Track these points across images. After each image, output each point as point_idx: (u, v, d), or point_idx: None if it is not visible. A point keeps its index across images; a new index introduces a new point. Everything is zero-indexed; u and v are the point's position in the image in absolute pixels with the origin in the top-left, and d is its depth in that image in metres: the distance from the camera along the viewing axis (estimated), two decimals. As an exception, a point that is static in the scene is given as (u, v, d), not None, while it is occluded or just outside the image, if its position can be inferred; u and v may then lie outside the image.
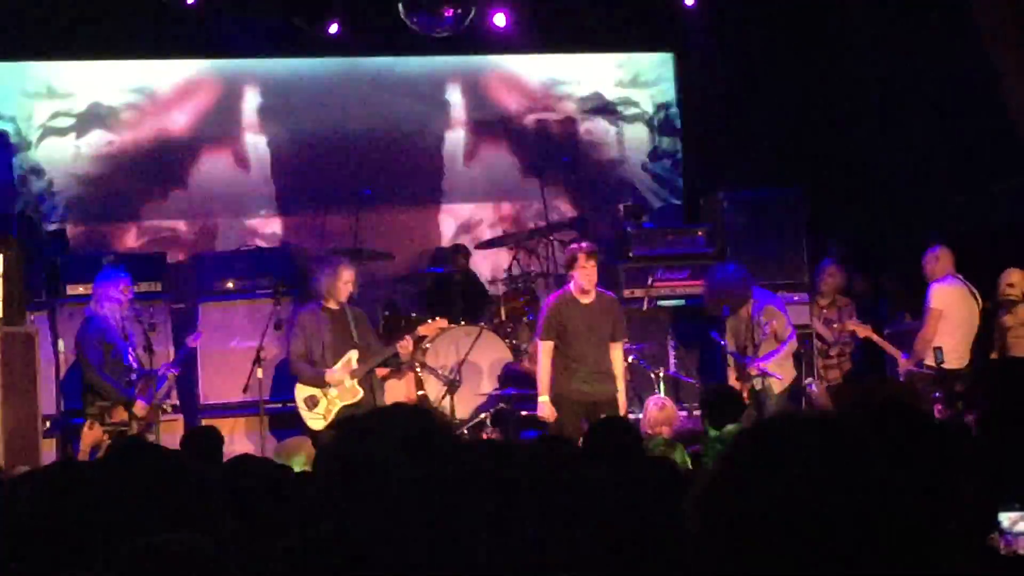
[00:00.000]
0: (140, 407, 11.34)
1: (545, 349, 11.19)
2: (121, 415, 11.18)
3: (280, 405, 12.39)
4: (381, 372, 11.98)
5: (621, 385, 11.23)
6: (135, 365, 11.43)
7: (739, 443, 2.15)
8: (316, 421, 11.43)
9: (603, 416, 9.60)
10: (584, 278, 11.09)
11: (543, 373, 11.16)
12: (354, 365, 11.55)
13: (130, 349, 11.42)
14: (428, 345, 12.81)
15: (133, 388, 11.32)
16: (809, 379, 12.14)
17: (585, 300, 11.19)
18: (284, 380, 12.19)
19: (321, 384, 11.49)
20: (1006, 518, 3.76)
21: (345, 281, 11.60)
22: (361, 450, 2.83)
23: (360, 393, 11.57)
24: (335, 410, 11.45)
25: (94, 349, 11.28)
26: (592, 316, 11.21)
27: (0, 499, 4.95)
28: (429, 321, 12.14)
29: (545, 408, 11.04)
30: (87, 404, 11.31)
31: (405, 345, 11.84)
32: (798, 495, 2.01)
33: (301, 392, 11.53)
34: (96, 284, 11.66)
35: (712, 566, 2.06)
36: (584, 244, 11.45)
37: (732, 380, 12.28)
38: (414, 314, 13.08)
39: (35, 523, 4.53)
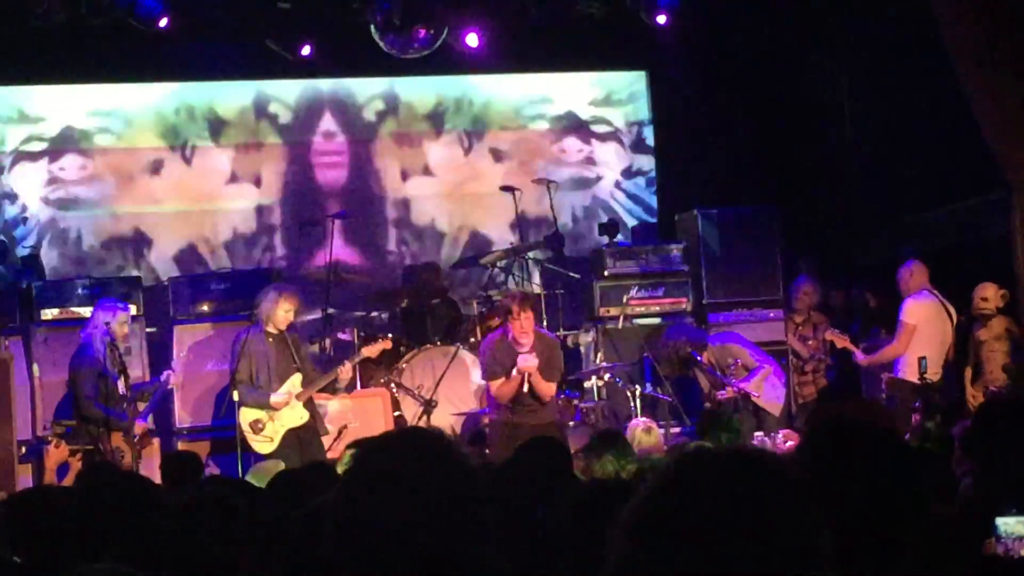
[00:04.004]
0: (139, 427, 11.33)
1: (495, 383, 11.15)
2: (117, 442, 11.13)
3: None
4: (319, 396, 11.93)
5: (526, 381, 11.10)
6: (125, 393, 11.39)
7: (670, 472, 2.21)
8: (263, 445, 11.36)
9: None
10: (519, 330, 11.02)
11: (505, 385, 11.11)
12: (299, 388, 11.52)
13: (119, 379, 11.36)
14: (404, 365, 12.80)
15: (125, 414, 11.27)
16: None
17: (522, 349, 11.14)
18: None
19: (267, 407, 11.43)
20: (1003, 523, 3.78)
21: (285, 310, 11.55)
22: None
23: (306, 416, 11.54)
24: (282, 433, 11.39)
25: (88, 380, 11.21)
26: None
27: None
28: (373, 343, 12.12)
29: (523, 360, 10.95)
30: (77, 432, 11.23)
31: (345, 370, 11.85)
32: (716, 531, 2.09)
33: (246, 416, 11.44)
34: (95, 311, 11.60)
35: None
36: (519, 294, 11.46)
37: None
38: (389, 335, 13.06)
39: (10, 547, 4.52)
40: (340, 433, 11.90)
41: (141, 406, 11.58)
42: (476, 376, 12.76)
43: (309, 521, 3.69)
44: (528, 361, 10.97)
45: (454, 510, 2.73)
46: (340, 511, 2.79)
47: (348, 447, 11.39)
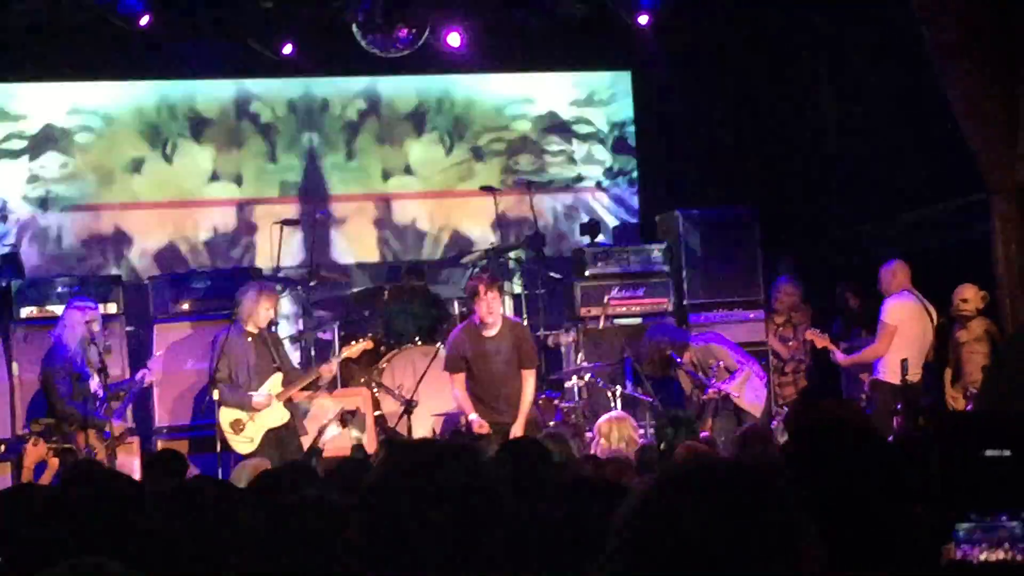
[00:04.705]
0: (118, 426, 11.31)
1: (456, 381, 11.22)
2: (91, 440, 11.09)
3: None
4: (299, 395, 11.90)
5: (522, 417, 11.14)
6: (99, 392, 11.35)
7: (661, 482, 2.24)
8: (243, 445, 11.33)
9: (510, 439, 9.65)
10: (485, 310, 11.04)
11: (461, 400, 11.21)
12: (279, 388, 11.49)
13: (92, 377, 11.32)
14: (385, 365, 12.79)
15: (100, 412, 11.24)
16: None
17: (489, 332, 11.15)
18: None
19: (247, 408, 11.40)
20: (962, 529, 3.80)
21: (266, 308, 11.54)
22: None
23: (286, 416, 11.52)
24: (262, 433, 11.36)
25: (62, 380, 11.18)
26: (496, 348, 11.18)
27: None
28: (353, 343, 12.09)
29: (476, 422, 11.03)
30: (50, 431, 11.20)
31: (328, 368, 11.82)
32: (706, 538, 2.12)
33: (226, 416, 11.40)
34: (66, 310, 11.59)
35: None
36: (485, 276, 11.45)
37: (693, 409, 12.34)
38: (370, 335, 13.05)
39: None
40: (320, 433, 11.89)
41: (116, 405, 11.54)
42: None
43: (294, 515, 3.70)
44: (482, 428, 11.01)
45: (479, 519, 2.75)
46: (371, 507, 2.80)
47: (381, 443, 11.47)
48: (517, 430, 11.00)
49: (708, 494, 2.19)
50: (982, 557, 3.71)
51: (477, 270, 13.62)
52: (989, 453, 4.05)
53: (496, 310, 11.11)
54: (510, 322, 11.45)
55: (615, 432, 10.33)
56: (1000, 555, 3.68)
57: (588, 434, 11.86)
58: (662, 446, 9.59)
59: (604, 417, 10.76)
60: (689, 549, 2.14)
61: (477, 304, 11.10)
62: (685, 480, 2.24)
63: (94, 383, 11.27)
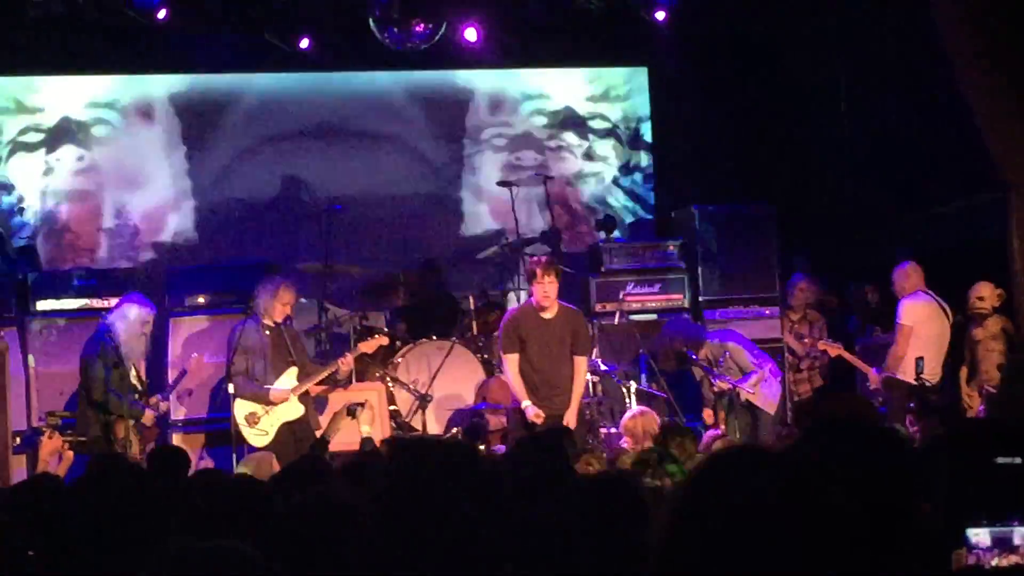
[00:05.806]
0: (149, 417, 11.30)
1: (510, 361, 11.01)
2: (123, 431, 11.09)
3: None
4: (315, 389, 11.88)
5: (574, 403, 11.02)
6: (138, 385, 11.37)
7: (702, 472, 2.24)
8: (258, 438, 11.34)
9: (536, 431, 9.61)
10: (542, 293, 10.92)
11: (515, 385, 11.03)
12: (295, 382, 11.50)
13: (131, 369, 11.34)
14: (399, 360, 12.79)
15: (140, 403, 11.26)
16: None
17: (546, 315, 11.02)
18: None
19: (264, 401, 11.40)
20: (974, 534, 3.79)
21: (284, 303, 11.53)
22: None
23: (301, 409, 11.52)
24: (277, 426, 11.37)
25: (103, 366, 11.18)
26: (552, 331, 11.01)
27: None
28: (370, 339, 12.07)
29: (531, 411, 10.88)
30: (85, 421, 11.19)
31: (346, 362, 11.78)
32: (754, 526, 2.11)
33: (241, 408, 11.40)
34: (122, 301, 11.58)
35: None
36: (543, 258, 11.27)
37: (707, 404, 12.32)
38: (385, 328, 13.06)
39: (13, 538, 4.52)
40: (328, 425, 11.89)
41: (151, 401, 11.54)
42: (472, 371, 12.76)
43: (310, 511, 3.71)
44: (537, 417, 10.87)
45: (481, 518, 2.76)
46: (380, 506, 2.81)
47: (384, 442, 11.46)
48: (571, 418, 10.89)
49: (756, 474, 2.19)
50: (994, 563, 3.70)
51: (493, 266, 13.62)
52: (1001, 460, 4.03)
53: (553, 293, 10.94)
54: (568, 308, 11.28)
55: (640, 427, 10.33)
56: (1014, 559, 3.66)
57: (603, 430, 11.87)
58: None
59: (628, 415, 10.75)
60: (734, 528, 2.14)
61: (534, 287, 10.98)
62: (733, 460, 2.24)
63: (133, 375, 11.30)
